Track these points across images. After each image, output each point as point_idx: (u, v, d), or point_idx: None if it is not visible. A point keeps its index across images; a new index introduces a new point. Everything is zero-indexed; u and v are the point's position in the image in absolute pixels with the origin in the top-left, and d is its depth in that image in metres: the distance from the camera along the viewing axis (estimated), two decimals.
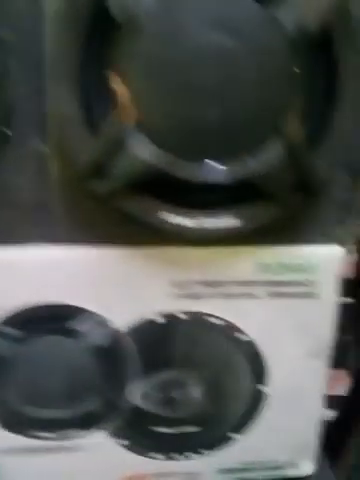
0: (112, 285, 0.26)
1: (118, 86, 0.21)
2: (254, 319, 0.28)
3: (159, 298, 0.27)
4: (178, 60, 0.20)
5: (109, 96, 0.21)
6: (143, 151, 0.22)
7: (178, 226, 0.24)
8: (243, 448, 0.31)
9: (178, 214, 0.24)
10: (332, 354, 0.30)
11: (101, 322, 0.27)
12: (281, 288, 0.28)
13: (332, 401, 0.44)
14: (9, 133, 0.23)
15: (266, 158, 0.23)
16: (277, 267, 0.27)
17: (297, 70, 0.22)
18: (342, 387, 0.43)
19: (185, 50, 0.20)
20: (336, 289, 0.29)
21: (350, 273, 0.46)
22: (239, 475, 0.32)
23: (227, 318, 0.28)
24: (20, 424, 0.28)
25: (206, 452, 0.31)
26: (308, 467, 0.33)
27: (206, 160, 0.22)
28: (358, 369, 0.41)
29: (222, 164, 0.22)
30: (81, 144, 0.22)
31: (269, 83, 0.22)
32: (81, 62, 0.21)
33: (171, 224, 0.24)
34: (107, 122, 0.21)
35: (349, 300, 0.49)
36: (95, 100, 0.22)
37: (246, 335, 0.28)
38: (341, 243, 0.28)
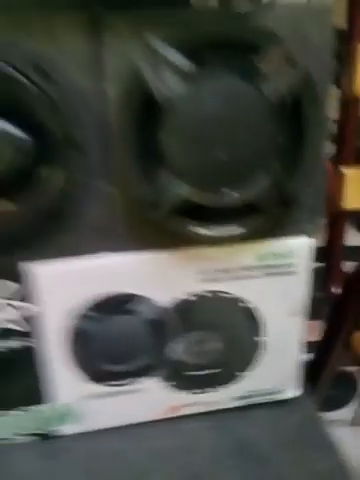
0: (158, 277, 0.38)
1: (164, 146, 0.32)
2: (254, 292, 0.41)
3: (190, 283, 0.39)
4: (198, 124, 0.32)
5: (158, 152, 0.33)
6: (179, 189, 0.33)
7: (203, 235, 0.36)
8: (247, 382, 0.44)
9: (202, 227, 0.35)
10: (308, 310, 0.43)
11: (151, 303, 0.39)
12: (272, 269, 0.40)
13: (310, 345, 0.58)
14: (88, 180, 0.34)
15: (258, 187, 0.35)
16: (269, 255, 0.40)
17: (275, 126, 0.34)
18: (317, 334, 0.57)
19: (202, 117, 0.32)
20: (309, 266, 0.41)
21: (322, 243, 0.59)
22: (245, 401, 0.45)
23: (235, 293, 0.40)
24: (101, 377, 0.41)
25: (222, 386, 0.44)
26: (293, 392, 0.46)
27: (223, 189, 0.34)
28: (327, 319, 0.55)
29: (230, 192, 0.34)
30: (140, 188, 0.33)
31: (258, 136, 0.33)
32: (136, 131, 0.32)
33: (198, 234, 0.35)
34: (157, 175, 0.33)
35: (321, 264, 0.62)
36: (148, 155, 0.33)
37: (248, 303, 0.41)
38: (310, 235, 0.40)
